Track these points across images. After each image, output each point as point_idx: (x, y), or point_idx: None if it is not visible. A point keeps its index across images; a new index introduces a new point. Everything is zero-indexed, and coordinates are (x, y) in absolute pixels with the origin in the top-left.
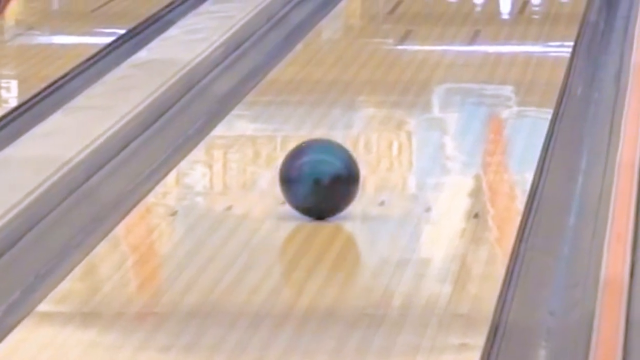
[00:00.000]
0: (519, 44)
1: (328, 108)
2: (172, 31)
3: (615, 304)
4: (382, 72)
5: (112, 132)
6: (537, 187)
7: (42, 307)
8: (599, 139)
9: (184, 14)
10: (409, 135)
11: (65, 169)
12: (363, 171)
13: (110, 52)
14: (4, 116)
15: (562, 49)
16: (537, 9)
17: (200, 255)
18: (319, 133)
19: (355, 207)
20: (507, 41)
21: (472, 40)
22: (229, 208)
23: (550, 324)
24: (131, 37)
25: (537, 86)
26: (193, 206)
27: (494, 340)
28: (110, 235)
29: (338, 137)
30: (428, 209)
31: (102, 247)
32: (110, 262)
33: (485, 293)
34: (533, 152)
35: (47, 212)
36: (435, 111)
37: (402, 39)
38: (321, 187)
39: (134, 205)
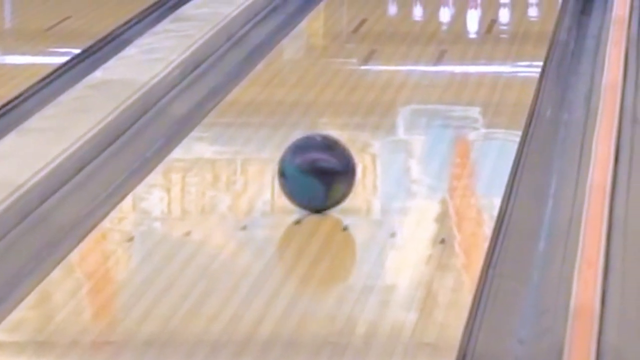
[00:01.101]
0: (486, 64)
1: (290, 130)
2: (129, 51)
3: (585, 332)
4: (345, 93)
5: (67, 155)
6: (505, 211)
7: None
8: (569, 162)
9: (140, 33)
10: (373, 158)
11: (19, 192)
12: None
13: (65, 72)
14: None
15: (530, 69)
16: (505, 28)
17: (157, 282)
18: (280, 155)
19: (318, 232)
20: (474, 61)
21: (438, 60)
22: (188, 233)
23: (519, 353)
24: (87, 57)
25: (505, 107)
26: (150, 232)
27: None
28: (65, 261)
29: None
30: (393, 234)
31: (56, 274)
32: (64, 289)
33: (452, 321)
34: (501, 176)
35: None
36: (400, 133)
37: (366, 59)
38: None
39: (89, 231)
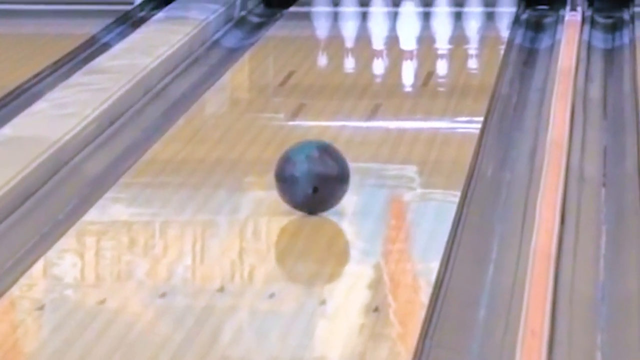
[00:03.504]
0: (423, 120)
1: (212, 190)
2: (39, 105)
3: None
4: (273, 150)
5: None
6: (443, 277)
7: None
8: (512, 224)
9: (52, 86)
10: (302, 220)
11: None
12: (251, 260)
13: None
14: None
15: (470, 125)
16: (442, 80)
17: (70, 353)
18: (202, 218)
19: (243, 299)
20: (410, 116)
21: (371, 115)
22: (103, 301)
23: None
24: None
25: (443, 166)
26: (62, 299)
27: None
28: None
29: (223, 222)
30: (323, 302)
31: None
32: None
33: None
34: (439, 239)
35: None
36: None
37: (295, 114)
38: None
39: None
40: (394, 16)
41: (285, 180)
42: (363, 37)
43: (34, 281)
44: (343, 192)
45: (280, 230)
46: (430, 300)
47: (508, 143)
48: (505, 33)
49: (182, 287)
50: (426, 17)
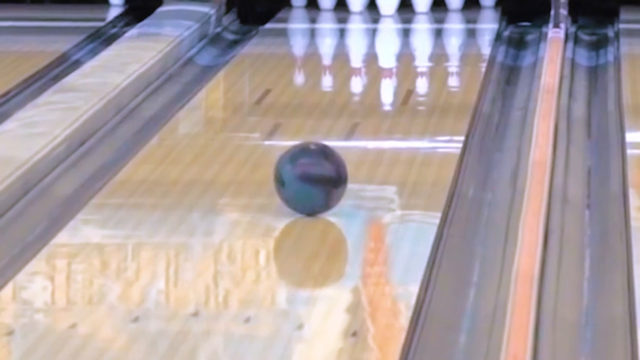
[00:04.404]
0: (402, 139)
1: (186, 212)
2: (7, 125)
3: None
4: (248, 170)
5: None
6: (423, 301)
7: None
8: (493, 247)
9: (21, 104)
10: (278, 243)
11: None
12: (226, 284)
13: None
14: None
15: (451, 145)
16: (422, 99)
17: None
18: (175, 240)
19: (218, 324)
20: (389, 136)
21: (349, 135)
22: (74, 326)
23: None
24: None
25: (422, 187)
26: (32, 324)
27: None
28: None
29: (197, 244)
30: (300, 327)
31: None
32: None
33: None
34: (418, 262)
35: None
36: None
37: (270, 133)
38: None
39: None
40: (372, 33)
41: (287, 186)
42: (341, 54)
43: (3, 305)
44: (344, 190)
45: (255, 253)
46: (410, 325)
47: (490, 163)
48: (486, 50)
49: (155, 311)
50: (406, 34)
